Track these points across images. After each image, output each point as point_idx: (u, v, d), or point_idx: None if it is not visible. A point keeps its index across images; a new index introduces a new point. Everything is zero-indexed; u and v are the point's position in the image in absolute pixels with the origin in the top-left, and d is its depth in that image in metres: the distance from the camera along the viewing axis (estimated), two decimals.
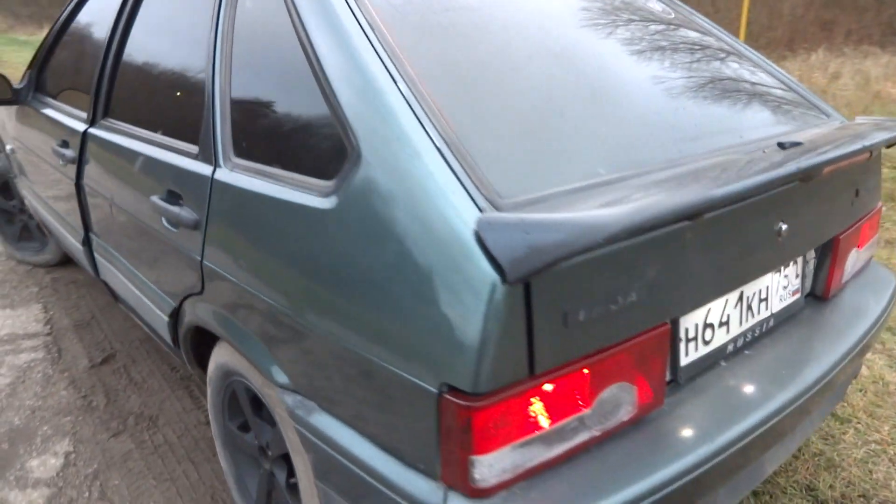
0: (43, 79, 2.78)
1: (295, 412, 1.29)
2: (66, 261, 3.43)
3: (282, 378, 1.33)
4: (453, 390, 0.98)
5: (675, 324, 1.28)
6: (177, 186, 1.61)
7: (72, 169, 2.23)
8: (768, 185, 1.07)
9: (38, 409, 2.28)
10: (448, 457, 1.01)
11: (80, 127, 2.19)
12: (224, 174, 1.45)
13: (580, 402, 1.09)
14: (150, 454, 2.06)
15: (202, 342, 1.71)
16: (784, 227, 1.35)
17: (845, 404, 2.27)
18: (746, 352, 1.46)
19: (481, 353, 0.94)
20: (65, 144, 2.30)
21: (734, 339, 1.42)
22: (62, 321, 2.92)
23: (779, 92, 1.74)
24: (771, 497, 1.86)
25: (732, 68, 1.72)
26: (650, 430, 1.20)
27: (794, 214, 1.38)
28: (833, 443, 2.08)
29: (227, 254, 1.45)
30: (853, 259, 1.74)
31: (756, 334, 1.48)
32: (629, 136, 1.30)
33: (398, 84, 1.15)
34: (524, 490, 1.04)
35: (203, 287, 1.55)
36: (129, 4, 2.07)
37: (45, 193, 2.73)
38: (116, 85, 2.09)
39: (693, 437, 1.19)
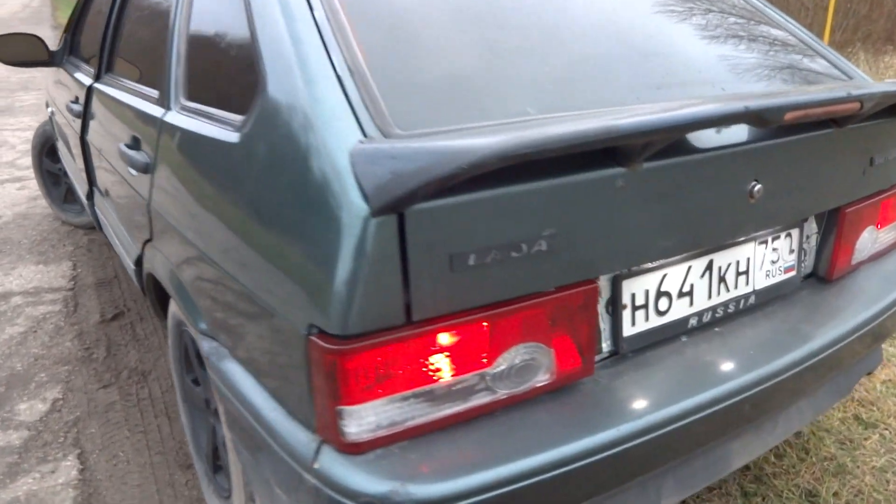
0: (77, 41, 2.87)
1: (210, 359, 1.24)
2: None
3: (202, 324, 1.28)
4: (322, 334, 0.90)
5: (616, 287, 1.14)
6: (137, 131, 1.60)
7: (79, 124, 2.28)
8: (694, 123, 0.93)
9: (40, 358, 2.35)
10: (319, 407, 0.93)
11: (88, 83, 2.23)
12: (171, 116, 1.42)
13: (482, 360, 0.98)
14: (132, 407, 2.08)
15: (164, 291, 1.70)
16: (758, 187, 1.19)
17: (874, 408, 2.04)
18: (716, 329, 1.30)
19: (347, 293, 0.85)
20: (76, 101, 2.35)
21: (700, 314, 1.27)
22: (87, 279, 3.01)
23: (788, 47, 1.56)
24: (764, 499, 1.68)
25: (731, 18, 1.55)
26: (572, 400, 1.08)
27: (772, 174, 1.21)
28: (850, 448, 1.87)
29: (166, 196, 1.41)
30: (868, 239, 1.54)
31: (730, 311, 1.32)
32: (579, 79, 1.17)
33: (314, 11, 1.07)
34: (404, 450, 0.94)
35: (151, 232, 1.53)
36: None
37: (67, 152, 2.82)
38: (118, 39, 2.11)
39: (622, 412, 1.06)
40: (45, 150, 3.62)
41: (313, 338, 0.90)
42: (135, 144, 1.59)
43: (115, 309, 2.71)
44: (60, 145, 3.20)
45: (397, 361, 0.91)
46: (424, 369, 0.94)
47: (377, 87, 0.98)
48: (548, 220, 0.95)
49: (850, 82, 1.48)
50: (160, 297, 1.71)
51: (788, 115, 1.03)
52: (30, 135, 5.18)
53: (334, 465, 0.92)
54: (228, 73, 1.25)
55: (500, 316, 0.97)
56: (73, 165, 2.75)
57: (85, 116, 2.22)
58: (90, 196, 2.35)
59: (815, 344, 1.28)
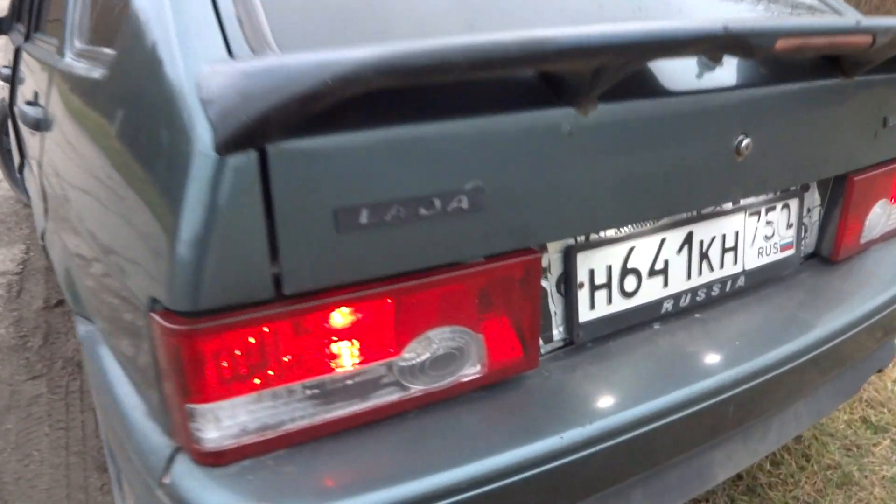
0: (23, 7, 2.67)
1: (83, 344, 1.03)
2: None
3: (79, 303, 1.08)
4: (166, 310, 0.69)
5: (570, 260, 0.93)
6: (36, 86, 1.39)
7: (8, 90, 2.08)
8: (656, 45, 0.71)
9: None
10: (170, 405, 0.73)
11: (18, 44, 2.03)
12: (63, 63, 1.21)
13: (387, 347, 0.77)
14: (58, 400, 1.88)
15: None
16: (746, 141, 0.97)
17: (885, 410, 1.82)
18: (697, 315, 1.09)
19: (192, 256, 0.64)
20: (7, 66, 2.15)
21: (676, 296, 1.06)
22: (37, 262, 2.82)
23: None
24: None
25: None
26: (510, 399, 0.86)
27: (764, 128, 0.99)
28: (857, 455, 1.65)
29: (53, 155, 1.20)
30: (881, 214, 1.32)
31: (715, 294, 1.11)
32: (496, 7, 0.96)
33: None
34: (279, 462, 0.73)
35: (45, 198, 1.32)
36: None
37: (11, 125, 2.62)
38: None
39: (573, 414, 0.85)
40: (4, 128, 3.43)
41: (154, 314, 0.69)
42: (34, 100, 1.39)
43: (60, 295, 2.52)
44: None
45: (267, 347, 0.70)
46: (308, 357, 0.73)
47: (266, 3, 0.77)
48: (470, 170, 0.74)
49: (860, 17, 1.26)
50: None
51: (780, 44, 0.81)
52: None
53: (186, 479, 0.71)
54: (109, 8, 1.04)
55: (409, 291, 0.75)
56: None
57: (13, 81, 2.02)
58: (21, 169, 2.15)
59: (816, 334, 1.06)
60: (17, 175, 3.43)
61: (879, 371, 1.44)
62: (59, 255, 1.21)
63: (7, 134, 3.42)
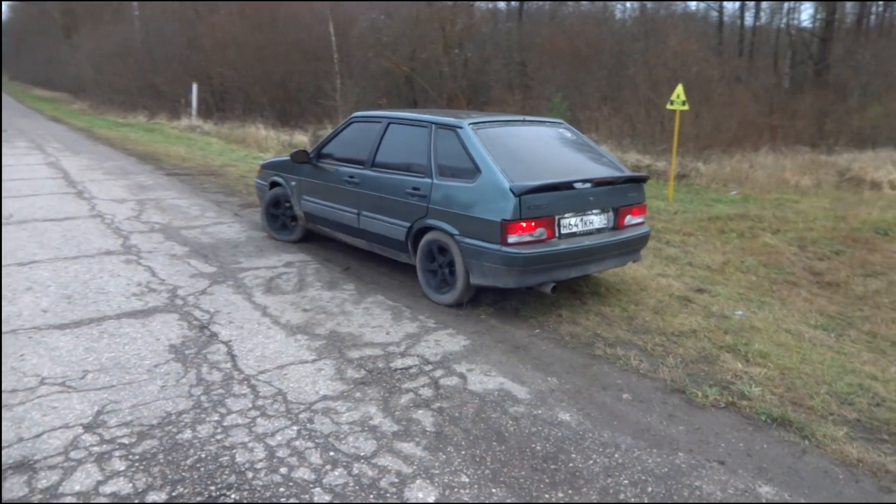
0: (323, 152, 6.54)
1: (459, 240, 4.98)
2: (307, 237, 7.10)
3: (455, 233, 5.02)
4: (503, 220, 4.70)
5: None
6: (417, 185, 5.34)
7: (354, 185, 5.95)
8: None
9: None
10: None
11: (360, 170, 5.93)
12: (435, 182, 5.19)
13: None
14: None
15: (416, 239, 5.43)
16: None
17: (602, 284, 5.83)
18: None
19: (514, 208, 4.66)
20: (351, 178, 6.03)
21: None
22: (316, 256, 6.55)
23: (603, 159, 5.46)
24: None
25: (576, 152, 5.46)
26: None
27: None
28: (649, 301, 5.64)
29: (440, 203, 5.21)
30: (631, 218, 5.41)
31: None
32: (546, 163, 5.01)
33: (488, 147, 4.88)
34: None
35: (427, 216, 5.29)
36: None
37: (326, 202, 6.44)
38: (379, 152, 5.85)
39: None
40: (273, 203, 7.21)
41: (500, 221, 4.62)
42: (415, 189, 5.29)
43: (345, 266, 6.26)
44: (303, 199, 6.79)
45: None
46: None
47: (505, 172, 4.77)
48: None
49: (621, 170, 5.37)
50: (415, 242, 5.36)
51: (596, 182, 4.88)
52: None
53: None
54: (460, 168, 5.00)
55: None
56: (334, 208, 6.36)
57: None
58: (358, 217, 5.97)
59: (621, 238, 5.10)
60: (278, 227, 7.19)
61: (634, 260, 5.49)
62: (448, 228, 5.11)
63: (273, 206, 7.19)
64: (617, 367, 4.14)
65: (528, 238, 4.69)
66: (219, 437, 3.20)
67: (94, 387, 3.66)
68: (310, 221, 6.72)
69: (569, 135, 5.76)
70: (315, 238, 7.11)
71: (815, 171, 13.99)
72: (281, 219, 7.25)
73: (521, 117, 5.79)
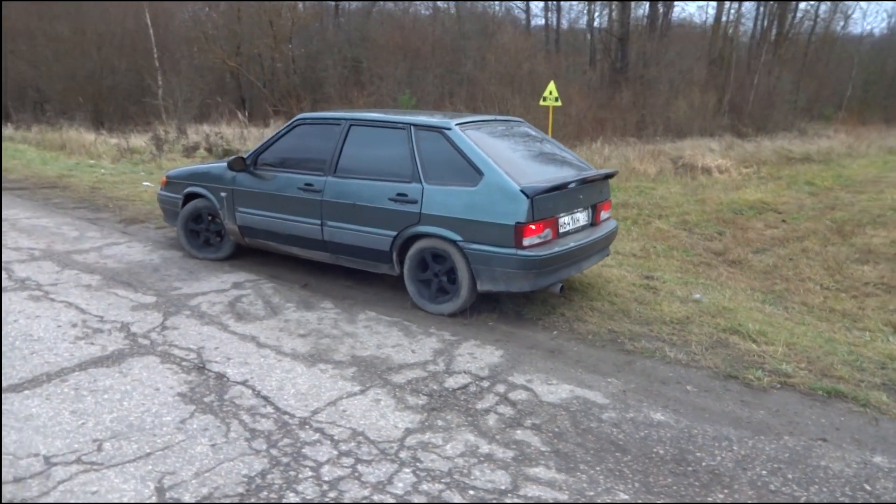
0: (263, 159, 5.89)
1: (465, 247, 4.77)
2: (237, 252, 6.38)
3: (457, 239, 4.80)
4: (517, 223, 4.58)
5: None
6: (405, 190, 5.03)
7: (314, 194, 5.45)
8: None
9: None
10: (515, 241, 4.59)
11: (321, 177, 5.44)
12: (425, 186, 4.93)
13: None
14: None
15: (405, 247, 5.11)
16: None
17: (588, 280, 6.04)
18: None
19: (526, 210, 4.56)
20: (308, 186, 5.51)
21: None
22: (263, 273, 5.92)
23: (568, 156, 5.55)
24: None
25: (549, 149, 5.51)
26: None
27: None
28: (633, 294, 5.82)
29: (433, 206, 4.95)
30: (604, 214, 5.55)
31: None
32: (539, 164, 4.97)
33: (482, 148, 4.74)
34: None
35: (419, 223, 4.99)
36: None
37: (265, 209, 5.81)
38: (343, 155, 5.40)
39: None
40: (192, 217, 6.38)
41: (513, 224, 4.51)
42: (401, 195, 4.97)
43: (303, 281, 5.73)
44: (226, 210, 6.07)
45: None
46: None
47: (509, 174, 4.66)
48: None
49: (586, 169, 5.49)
50: (402, 251, 5.04)
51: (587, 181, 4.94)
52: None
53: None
54: (455, 171, 4.79)
55: None
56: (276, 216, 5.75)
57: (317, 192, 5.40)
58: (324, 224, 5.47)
59: (598, 235, 5.19)
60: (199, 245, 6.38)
61: (607, 255, 5.65)
62: (450, 234, 4.85)
63: (192, 221, 6.37)
64: (657, 361, 4.24)
65: (538, 240, 4.63)
66: (332, 494, 2.76)
67: (125, 458, 2.98)
68: (247, 236, 6.04)
69: (533, 133, 5.77)
70: (246, 253, 6.42)
71: (653, 160, 15.43)
72: (203, 235, 6.45)
73: (491, 116, 5.68)
